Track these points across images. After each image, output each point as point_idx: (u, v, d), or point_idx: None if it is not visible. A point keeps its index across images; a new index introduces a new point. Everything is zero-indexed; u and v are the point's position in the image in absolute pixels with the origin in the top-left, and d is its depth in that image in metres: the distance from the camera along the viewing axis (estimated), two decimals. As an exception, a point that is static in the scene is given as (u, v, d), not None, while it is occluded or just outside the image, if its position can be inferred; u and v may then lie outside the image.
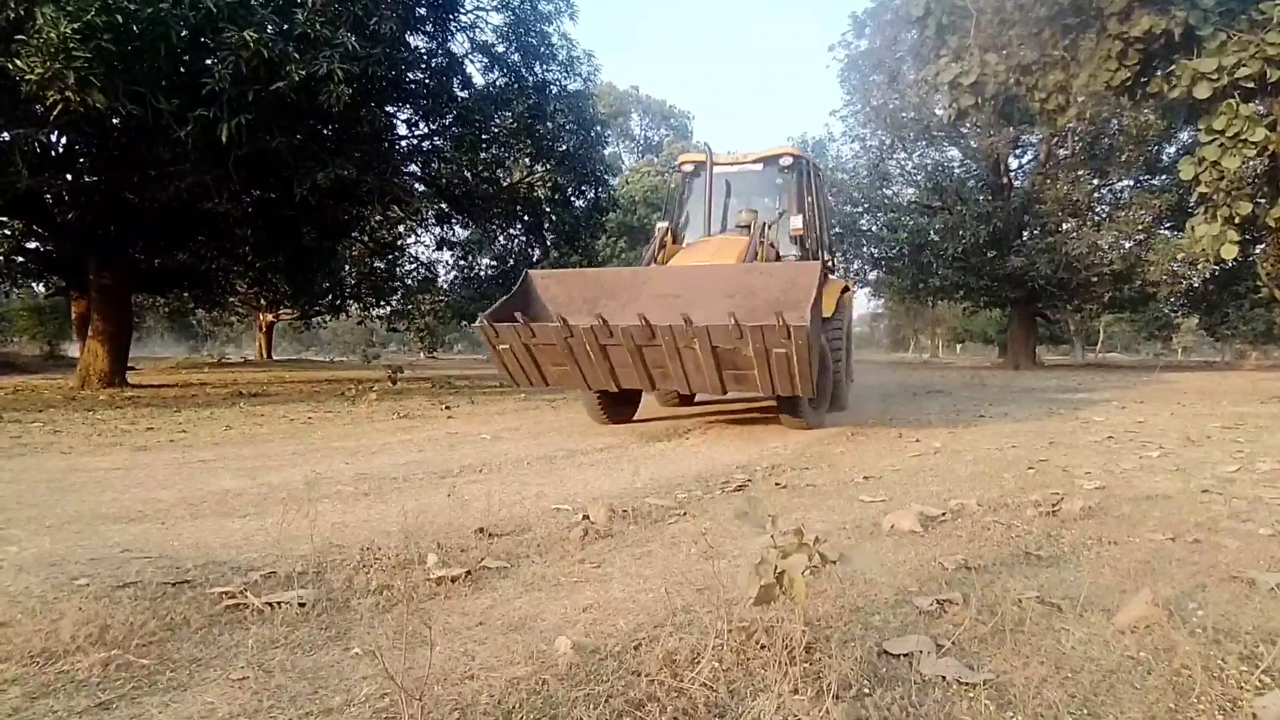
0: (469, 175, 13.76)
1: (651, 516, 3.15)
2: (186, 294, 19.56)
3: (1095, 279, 22.65)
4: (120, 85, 7.84)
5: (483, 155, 13.57)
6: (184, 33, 8.09)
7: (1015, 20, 8.44)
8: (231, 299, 23.30)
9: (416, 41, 12.15)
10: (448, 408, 8.86)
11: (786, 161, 7.41)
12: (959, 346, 58.47)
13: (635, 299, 5.69)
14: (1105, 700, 1.49)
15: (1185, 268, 21.51)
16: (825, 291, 7.70)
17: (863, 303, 47.57)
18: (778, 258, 7.00)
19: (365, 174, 10.60)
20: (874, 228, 26.69)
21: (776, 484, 3.97)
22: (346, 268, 19.26)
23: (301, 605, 2.00)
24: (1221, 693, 1.49)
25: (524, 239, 16.61)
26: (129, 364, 13.88)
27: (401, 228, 17.40)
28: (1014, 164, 26.16)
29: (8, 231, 13.91)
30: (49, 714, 1.46)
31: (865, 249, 27.10)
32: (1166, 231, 22.53)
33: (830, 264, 8.49)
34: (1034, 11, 8.25)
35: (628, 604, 2.06)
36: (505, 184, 14.73)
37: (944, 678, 1.56)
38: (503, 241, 17.36)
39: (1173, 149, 22.29)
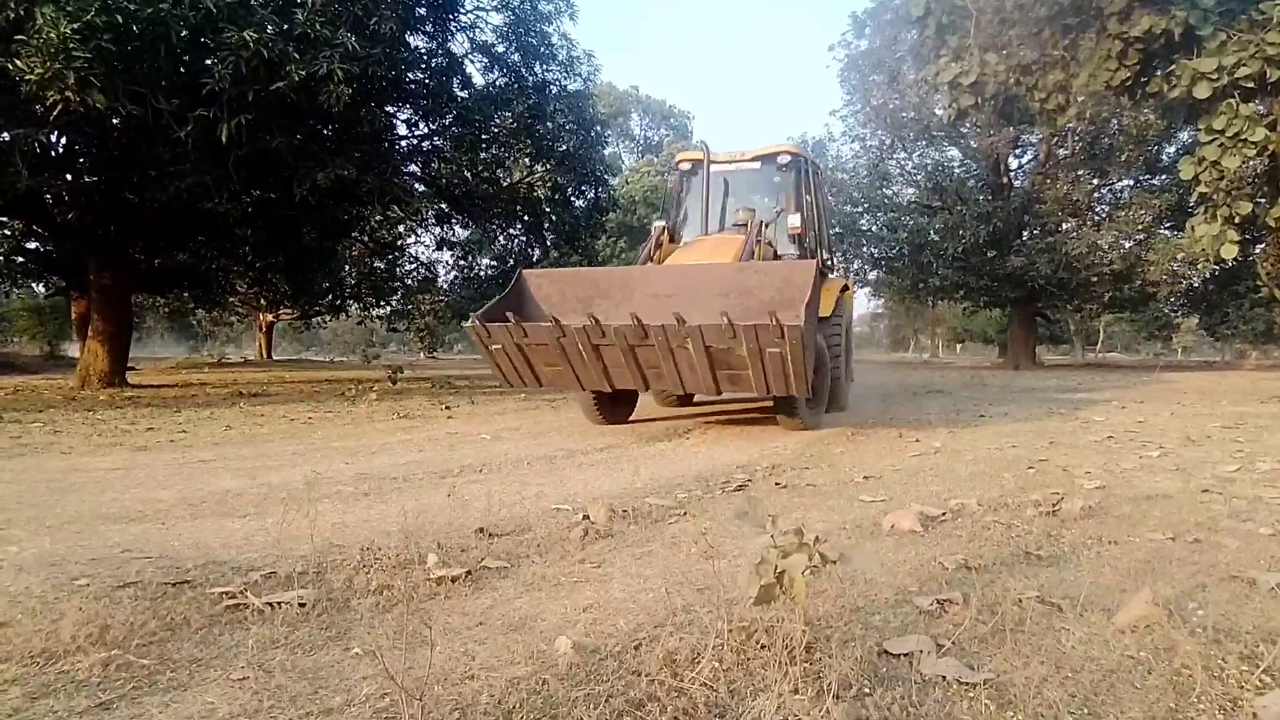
0: (469, 175, 13.76)
1: (652, 516, 3.15)
2: (186, 294, 19.56)
3: (1095, 279, 22.65)
4: (120, 85, 7.84)
5: (483, 155, 13.57)
6: (184, 33, 8.10)
7: (1015, 20, 8.43)
8: (231, 299, 23.30)
9: (416, 41, 12.16)
10: (448, 408, 8.86)
11: (785, 160, 7.35)
12: (959, 346, 58.47)
13: (629, 298, 5.66)
14: (1105, 700, 1.49)
15: (1185, 267, 21.50)
16: (824, 290, 7.67)
17: (863, 303, 47.60)
18: (776, 256, 6.94)
19: (365, 174, 10.60)
20: (874, 227, 26.68)
21: (776, 484, 3.97)
22: (346, 268, 19.26)
23: (302, 605, 2.00)
24: (1222, 692, 1.49)
25: (524, 239, 16.62)
26: (129, 364, 13.88)
27: (401, 228, 17.39)
28: (1014, 164, 26.18)
29: (8, 231, 13.91)
30: (49, 714, 1.46)
31: (865, 249, 27.10)
32: (1166, 231, 22.52)
33: (829, 263, 8.43)
34: (1034, 11, 8.25)
35: (628, 604, 2.06)
36: (505, 184, 14.73)
37: (944, 677, 1.56)
38: (503, 241, 17.36)
39: (1173, 149, 22.30)
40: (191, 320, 33.76)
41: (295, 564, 2.35)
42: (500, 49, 13.01)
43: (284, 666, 1.67)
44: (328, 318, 26.12)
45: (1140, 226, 22.49)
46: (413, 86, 12.48)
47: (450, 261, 19.96)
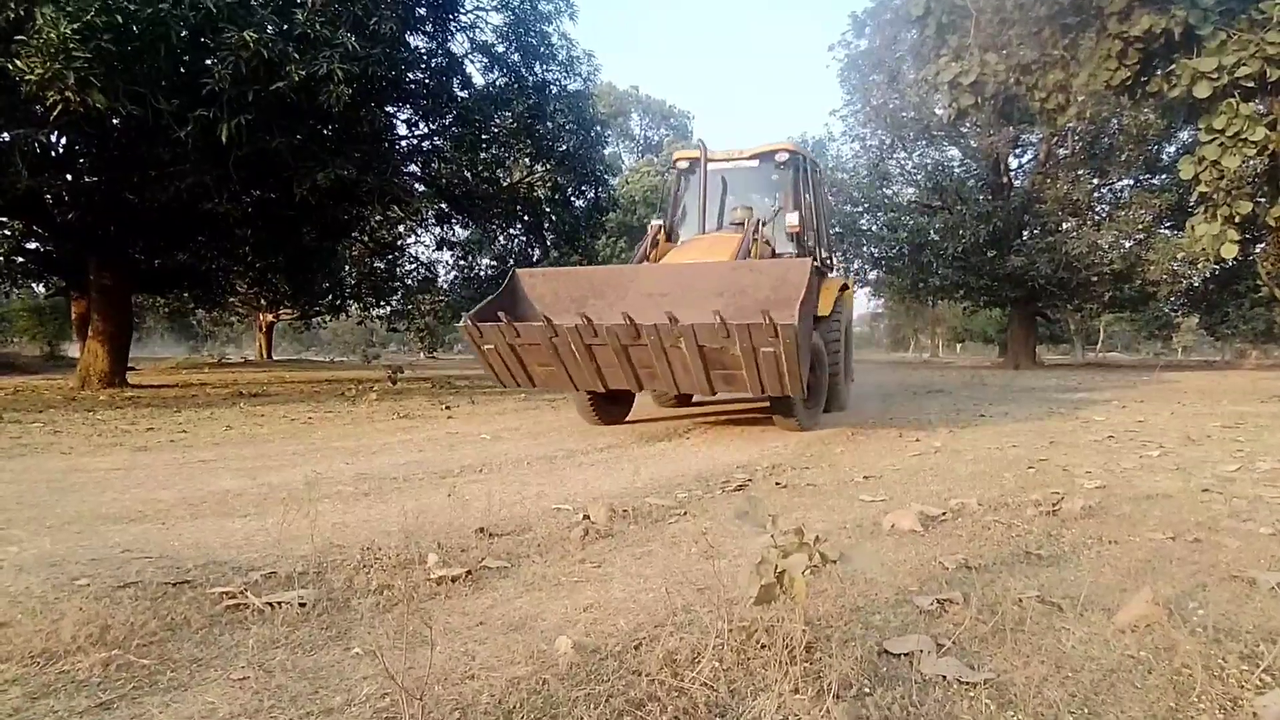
0: (469, 175, 13.76)
1: (652, 516, 3.15)
2: (186, 294, 19.56)
3: (1095, 278, 22.65)
4: (120, 85, 7.84)
5: (483, 155, 13.57)
6: (184, 33, 8.09)
7: (1015, 19, 8.43)
8: (231, 299, 23.29)
9: (416, 41, 12.15)
10: (448, 408, 8.86)
11: (783, 157, 7.28)
12: (959, 346, 58.47)
13: (623, 298, 5.61)
14: (1106, 699, 1.49)
15: (1185, 267, 21.48)
16: (823, 289, 7.63)
17: (863, 302, 47.58)
18: (774, 255, 6.89)
19: (365, 174, 10.60)
20: (874, 227, 26.68)
21: (777, 483, 3.97)
22: (346, 268, 19.25)
23: (302, 605, 2.00)
24: (1222, 692, 1.49)
25: (524, 239, 16.61)
26: (129, 364, 13.88)
27: (401, 228, 17.39)
28: (1014, 163, 26.17)
29: (8, 232, 13.90)
30: (50, 714, 1.46)
31: (865, 248, 27.10)
32: (1166, 231, 22.52)
33: (829, 261, 8.38)
34: (1034, 11, 8.24)
35: (628, 603, 2.06)
36: (505, 184, 14.73)
37: (944, 677, 1.56)
38: (503, 241, 17.36)
39: (1173, 148, 22.29)
40: (191, 320, 33.76)
41: (295, 564, 2.35)
42: (500, 49, 13.01)
43: (284, 666, 1.67)
44: (328, 318, 26.11)
45: (1140, 226, 22.48)
46: (413, 86, 12.48)
47: (450, 261, 19.97)
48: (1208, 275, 22.63)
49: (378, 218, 15.21)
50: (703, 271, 5.85)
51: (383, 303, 20.51)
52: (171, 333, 42.84)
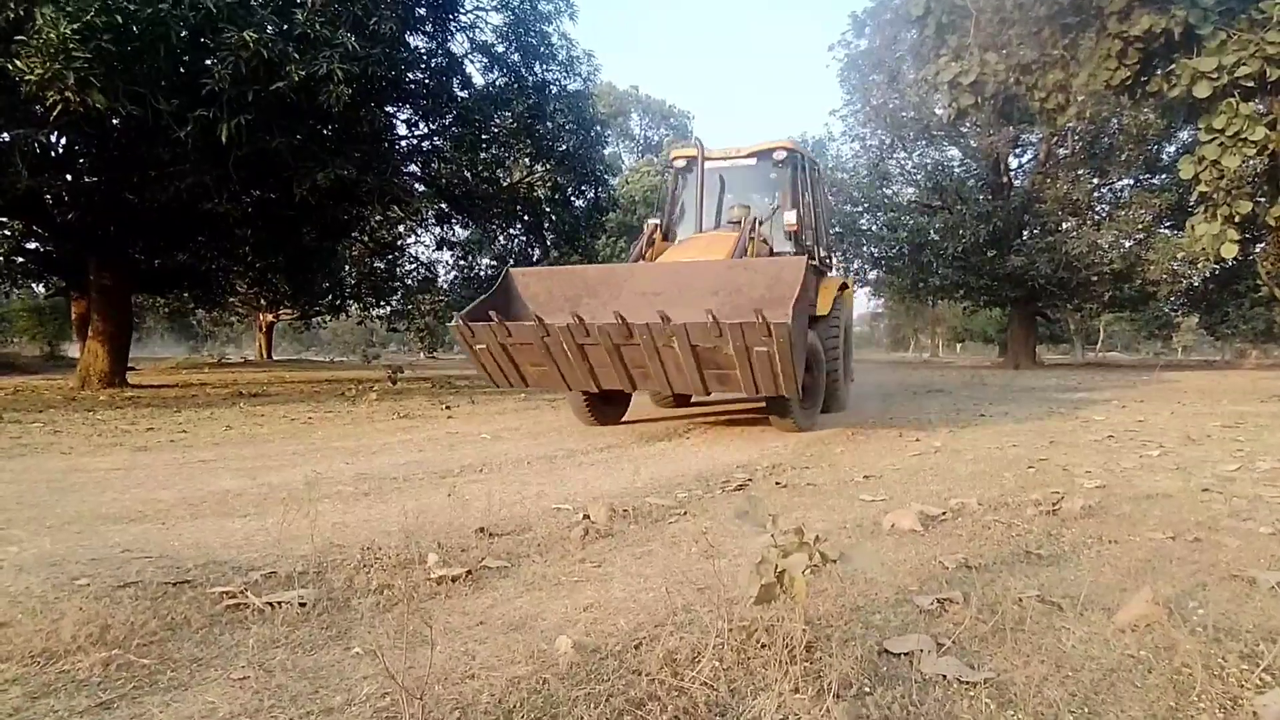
0: (469, 175, 13.75)
1: (652, 516, 3.15)
2: (186, 294, 19.56)
3: (1095, 278, 22.65)
4: (120, 85, 7.84)
5: (483, 155, 13.57)
6: (184, 33, 8.09)
7: (1015, 19, 8.42)
8: (231, 299, 23.29)
9: (416, 41, 12.15)
10: (448, 408, 8.86)
11: (781, 156, 7.19)
12: (959, 346, 58.47)
13: (617, 297, 5.56)
14: (1106, 699, 1.49)
15: (1185, 267, 21.48)
16: (822, 289, 7.59)
17: (863, 302, 47.55)
18: (771, 254, 6.83)
19: (365, 174, 10.60)
20: (874, 227, 26.68)
21: (777, 483, 3.97)
22: (346, 268, 19.25)
23: (302, 605, 2.00)
24: (1222, 691, 1.49)
25: (524, 239, 16.61)
26: (129, 364, 13.88)
27: (401, 228, 17.39)
28: (1014, 163, 26.17)
29: (8, 232, 13.90)
30: (50, 714, 1.46)
31: (865, 248, 27.10)
32: (1166, 230, 22.52)
33: (827, 260, 8.32)
34: (1034, 10, 8.24)
35: (628, 603, 2.06)
36: (505, 184, 14.72)
37: (944, 676, 1.56)
38: (503, 241, 17.36)
39: (1173, 148, 22.29)
40: (191, 320, 33.76)
41: (295, 564, 2.35)
42: (500, 49, 13.00)
43: (284, 666, 1.67)
44: (328, 318, 26.11)
45: (1140, 226, 22.48)
46: (413, 86, 12.48)
47: (450, 261, 19.96)
48: (1208, 275, 22.63)
49: (378, 218, 15.21)
50: (697, 270, 5.80)
51: (383, 303, 20.51)
52: (171, 333, 42.85)
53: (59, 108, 7.60)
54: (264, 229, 13.18)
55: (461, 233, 17.93)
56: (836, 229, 25.58)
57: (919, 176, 26.69)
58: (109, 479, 4.06)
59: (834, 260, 9.90)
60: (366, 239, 17.37)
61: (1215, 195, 8.08)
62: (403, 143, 13.58)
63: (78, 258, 12.73)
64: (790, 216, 6.96)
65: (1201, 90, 7.57)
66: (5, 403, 9.16)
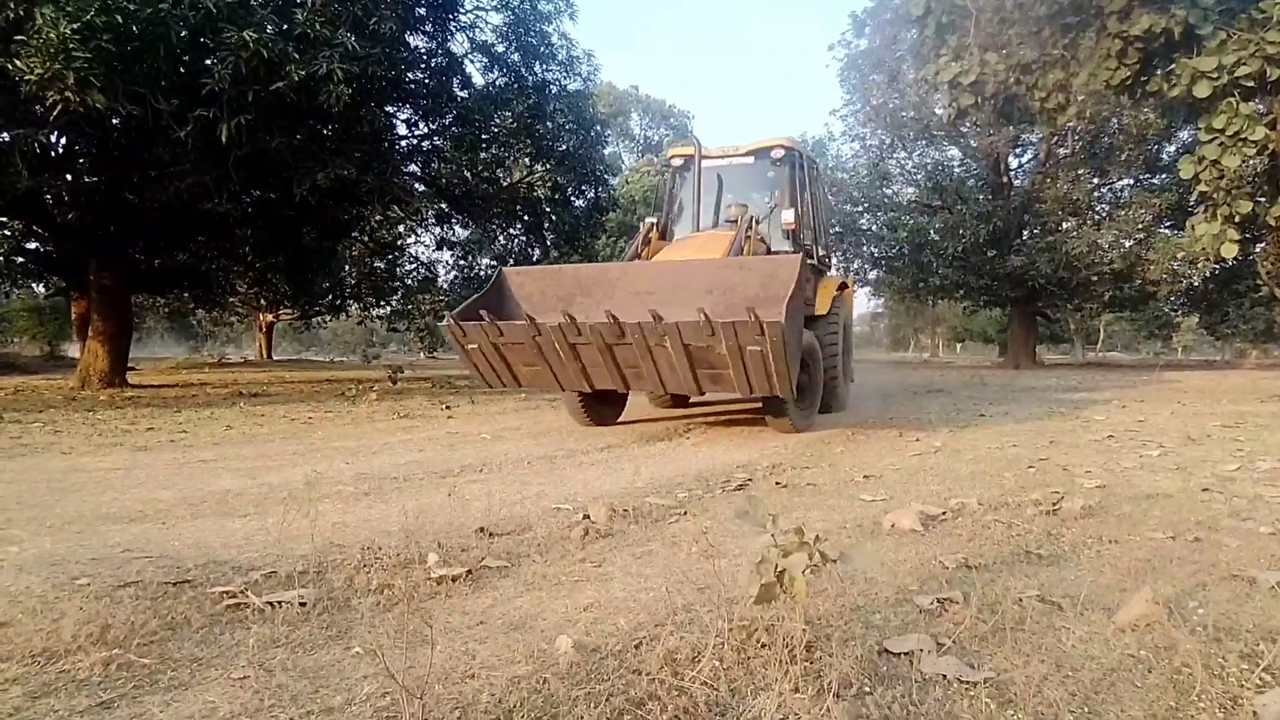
0: (469, 175, 13.76)
1: (652, 516, 3.15)
2: (186, 294, 19.56)
3: (1095, 278, 22.64)
4: (120, 85, 7.83)
5: (483, 155, 13.57)
6: (184, 33, 8.09)
7: (1015, 19, 8.42)
8: (231, 299, 23.29)
9: (416, 41, 12.15)
10: (448, 407, 8.86)
11: (778, 154, 7.12)
12: (959, 346, 58.46)
13: (610, 296, 5.52)
14: (1106, 698, 1.49)
15: (1185, 266, 21.47)
16: (820, 288, 7.56)
17: (863, 302, 47.56)
18: (769, 253, 6.76)
19: (365, 174, 10.59)
20: (874, 227, 26.68)
21: (777, 483, 3.97)
22: (346, 268, 19.26)
23: (302, 604, 2.00)
24: (1222, 691, 1.50)
25: (524, 239, 16.61)
26: (129, 364, 13.88)
27: (401, 228, 17.39)
28: (1014, 163, 26.16)
29: (8, 232, 13.90)
30: (50, 713, 1.46)
31: (865, 248, 27.09)
32: (1167, 230, 22.52)
33: (826, 259, 8.26)
34: (1034, 10, 8.24)
35: (628, 603, 2.06)
36: (505, 184, 14.72)
37: (944, 676, 1.56)
38: (503, 241, 17.36)
39: (1173, 148, 22.28)
40: (191, 320, 33.75)
41: (296, 563, 2.36)
42: (500, 49, 13.00)
43: (285, 665, 1.67)
44: (328, 318, 26.12)
45: (1140, 225, 22.48)
46: (413, 86, 12.48)
47: (450, 261, 19.97)
48: (1208, 275, 22.61)
49: (378, 218, 15.21)
50: (691, 269, 5.74)
51: (383, 303, 20.52)
52: (171, 333, 42.85)
53: (59, 108, 7.60)
54: (264, 229, 13.18)
55: (461, 233, 17.93)
56: (836, 229, 25.59)
57: (919, 176, 26.69)
58: (109, 479, 4.07)
59: (834, 260, 9.86)
60: (366, 239, 17.37)
61: (1215, 195, 8.08)
62: (403, 143, 13.58)
63: (78, 258, 12.73)
64: (788, 215, 6.89)
65: (1201, 90, 7.57)
66: (5, 403, 9.16)
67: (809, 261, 7.26)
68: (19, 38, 7.40)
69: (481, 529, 2.81)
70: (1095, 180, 24.08)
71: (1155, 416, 7.53)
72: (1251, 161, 8.01)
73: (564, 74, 13.59)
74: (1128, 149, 22.42)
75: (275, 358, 32.48)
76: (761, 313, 4.46)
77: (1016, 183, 25.68)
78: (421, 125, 13.76)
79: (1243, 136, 7.47)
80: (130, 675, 1.61)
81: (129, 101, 7.95)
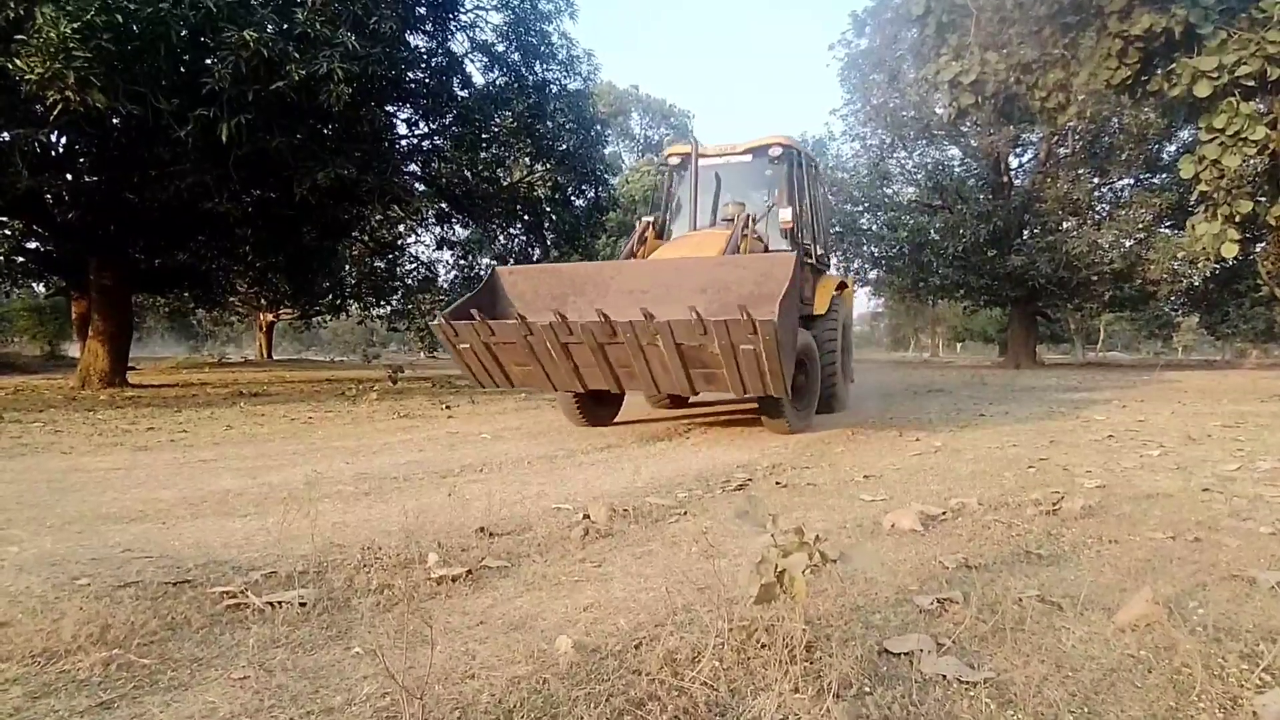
0: (469, 175, 13.75)
1: (652, 516, 3.15)
2: (186, 294, 19.57)
3: (1095, 278, 22.64)
4: (120, 85, 7.83)
5: (483, 155, 13.56)
6: (184, 33, 8.09)
7: (1015, 18, 8.42)
8: (231, 299, 23.30)
9: (416, 41, 12.15)
10: (448, 407, 8.86)
11: (776, 152, 7.04)
12: (959, 345, 58.47)
13: (604, 295, 5.46)
14: (1106, 699, 1.49)
15: (1186, 266, 21.47)
16: (819, 287, 7.51)
17: (863, 302, 47.55)
18: (766, 252, 6.70)
19: (365, 174, 10.59)
20: (874, 226, 26.68)
21: (777, 483, 3.97)
22: (346, 268, 19.25)
23: (302, 605, 2.00)
24: (1222, 691, 1.50)
25: (524, 239, 16.60)
26: (129, 364, 13.89)
27: (401, 227, 17.39)
28: (1014, 163, 26.17)
29: (8, 231, 13.91)
30: (50, 713, 1.46)
31: (865, 248, 27.09)
32: (1167, 230, 22.52)
33: (824, 258, 8.21)
34: (1034, 10, 8.24)
35: (628, 603, 2.06)
36: (505, 183, 14.72)
37: (944, 676, 1.56)
38: (503, 241, 17.35)
39: (1173, 147, 22.28)
40: (192, 320, 33.77)
41: (296, 563, 2.36)
42: (500, 48, 13.00)
43: (285, 666, 1.67)
44: (328, 318, 26.10)
45: (1141, 225, 22.48)
46: (413, 86, 12.48)
47: (450, 261, 19.95)
48: (1208, 274, 22.61)
49: (378, 217, 15.20)
50: (685, 267, 5.67)
51: (383, 302, 20.51)
52: (171, 333, 42.87)
53: (59, 107, 7.60)
54: (264, 229, 13.18)
55: (461, 232, 17.93)
56: (837, 229, 25.59)
57: (919, 176, 26.69)
58: (109, 479, 4.07)
59: (834, 260, 9.83)
60: (367, 239, 17.37)
61: (1216, 195, 8.08)
62: (403, 142, 13.58)
63: (78, 257, 12.73)
64: (786, 213, 6.82)
65: (1202, 89, 7.57)
66: (6, 402, 9.17)
67: (808, 260, 7.23)
68: (19, 37, 7.39)
69: (482, 529, 2.81)
70: (1095, 180, 24.08)
71: (1155, 416, 7.53)
72: (1252, 161, 8.01)
73: (564, 73, 13.59)
74: (1128, 148, 22.42)
75: (275, 357, 32.49)
76: (754, 311, 4.40)
77: (1017, 182, 25.68)
78: (421, 125, 13.76)
79: (1243, 136, 7.47)
80: (130, 675, 1.61)
81: (129, 101, 7.95)
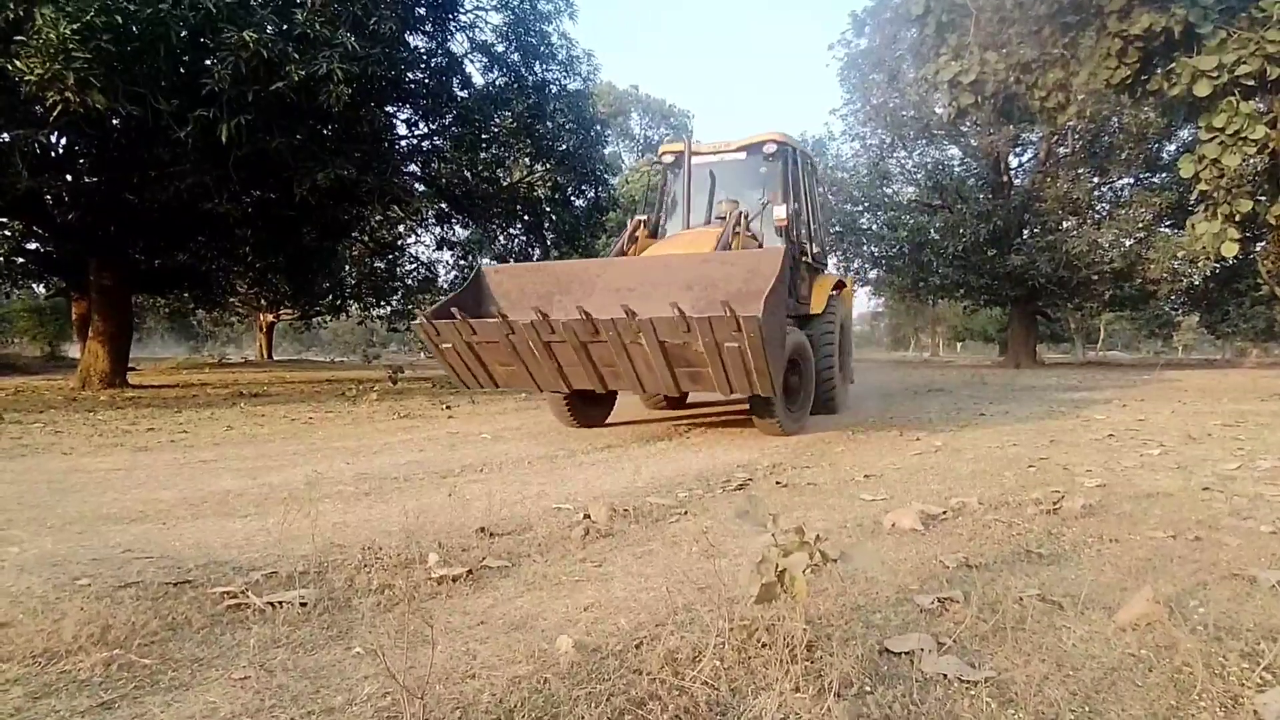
0: (469, 175, 13.76)
1: (652, 515, 3.15)
2: (187, 294, 19.58)
3: (1096, 277, 22.64)
4: (120, 86, 7.84)
5: (483, 155, 13.57)
6: (184, 33, 8.10)
7: (1015, 18, 8.42)
8: (232, 299, 23.32)
9: (416, 41, 12.15)
10: (448, 407, 8.87)
11: (771, 149, 6.90)
12: (959, 345, 58.47)
13: (590, 294, 5.38)
14: (1107, 698, 1.49)
15: (1186, 265, 21.47)
16: (816, 286, 7.46)
17: (863, 301, 47.56)
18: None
19: (365, 174, 10.60)
20: (874, 226, 26.67)
21: (777, 482, 3.97)
22: (346, 268, 19.28)
23: (303, 605, 2.00)
24: (1223, 690, 1.49)
25: (524, 239, 16.61)
26: (129, 364, 13.89)
27: (401, 228, 17.41)
28: (1014, 162, 26.16)
29: (8, 232, 13.91)
30: (51, 714, 1.46)
31: (865, 247, 27.08)
32: (1167, 229, 22.51)
33: (821, 257, 8.11)
34: (1034, 9, 8.23)
35: (629, 603, 2.06)
36: (505, 184, 14.73)
37: (945, 675, 1.56)
38: (503, 241, 17.36)
39: (1173, 147, 22.27)
40: (192, 320, 33.80)
41: (296, 564, 2.36)
42: (500, 49, 13.01)
43: (285, 666, 1.67)
44: (328, 318, 26.14)
45: (1141, 224, 22.48)
46: (413, 86, 12.48)
47: (450, 261, 19.98)
48: (1208, 274, 22.62)
49: (378, 218, 15.23)
50: (673, 265, 5.57)
51: (383, 303, 20.55)
52: (172, 333, 42.89)
53: (59, 108, 7.61)
54: (264, 229, 13.19)
55: (461, 233, 17.94)
56: (837, 228, 25.60)
57: (919, 175, 26.68)
58: (110, 479, 4.07)
59: (834, 259, 9.79)
60: (366, 239, 17.39)
61: (1216, 194, 8.08)
62: (403, 143, 13.58)
63: (78, 258, 12.74)
64: (780, 211, 6.71)
65: (1202, 89, 7.57)
66: (6, 403, 9.17)
67: (803, 259, 7.19)
68: (19, 38, 7.40)
69: (482, 529, 2.81)
70: (1095, 179, 24.08)
71: (1156, 415, 7.53)
72: (1252, 160, 8.01)
73: (564, 74, 13.60)
74: (1128, 148, 22.42)
75: (275, 358, 32.49)
76: (739, 307, 4.31)
77: (1017, 182, 25.68)
78: (421, 125, 13.77)
79: (1243, 135, 7.46)
80: (131, 676, 1.61)
81: (129, 101, 7.95)
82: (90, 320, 12.41)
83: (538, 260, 15.74)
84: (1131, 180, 24.21)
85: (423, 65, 12.36)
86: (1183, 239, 17.75)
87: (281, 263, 15.52)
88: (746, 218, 6.49)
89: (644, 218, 7.23)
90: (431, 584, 2.21)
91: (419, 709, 1.38)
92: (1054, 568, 2.37)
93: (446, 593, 2.17)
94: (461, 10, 12.58)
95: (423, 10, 11.80)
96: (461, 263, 19.05)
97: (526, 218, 15.34)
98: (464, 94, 12.91)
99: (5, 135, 9.10)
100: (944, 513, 3.09)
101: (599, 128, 14.82)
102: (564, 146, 13.78)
